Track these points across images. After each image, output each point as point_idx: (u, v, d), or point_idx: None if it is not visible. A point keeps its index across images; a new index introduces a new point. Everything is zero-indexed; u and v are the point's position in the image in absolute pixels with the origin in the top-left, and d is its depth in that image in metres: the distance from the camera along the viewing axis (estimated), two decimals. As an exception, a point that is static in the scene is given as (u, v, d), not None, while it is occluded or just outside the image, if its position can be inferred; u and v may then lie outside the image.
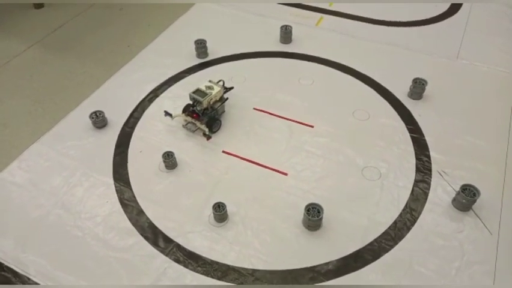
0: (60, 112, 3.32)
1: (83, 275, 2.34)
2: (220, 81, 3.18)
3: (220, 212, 2.52)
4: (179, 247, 2.45)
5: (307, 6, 4.46)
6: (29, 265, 2.38)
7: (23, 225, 2.58)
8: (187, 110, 3.09)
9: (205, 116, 3.04)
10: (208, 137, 3.03)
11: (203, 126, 3.01)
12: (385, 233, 2.49)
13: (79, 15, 4.47)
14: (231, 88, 3.30)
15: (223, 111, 3.23)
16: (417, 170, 2.83)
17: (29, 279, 2.32)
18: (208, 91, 3.02)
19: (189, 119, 3.06)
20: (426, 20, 4.24)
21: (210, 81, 3.14)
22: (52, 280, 2.31)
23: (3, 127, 3.26)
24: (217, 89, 3.06)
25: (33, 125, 3.22)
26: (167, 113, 3.13)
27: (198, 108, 3.02)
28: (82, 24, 4.39)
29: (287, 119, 3.22)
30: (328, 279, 2.30)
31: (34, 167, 2.92)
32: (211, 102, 3.04)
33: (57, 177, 2.84)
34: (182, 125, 3.13)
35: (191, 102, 3.09)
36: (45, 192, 2.75)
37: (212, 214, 2.57)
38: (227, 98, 3.19)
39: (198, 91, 3.03)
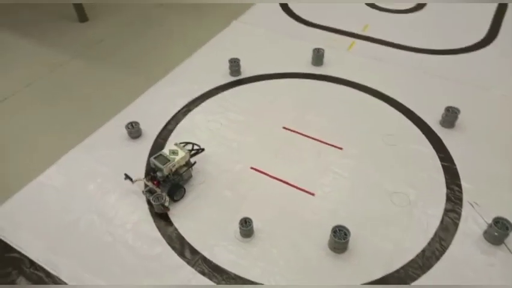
0: (97, 121, 3.46)
1: (110, 280, 2.40)
2: (187, 144, 2.98)
3: (246, 227, 2.55)
4: (204, 259, 2.49)
5: (340, 30, 4.54)
6: (60, 266, 2.47)
7: (57, 227, 2.68)
8: (149, 175, 2.80)
9: (168, 182, 2.76)
10: (166, 209, 2.68)
11: (163, 195, 2.69)
12: (412, 261, 2.45)
13: (120, 30, 4.68)
14: (202, 150, 3.05)
15: (190, 177, 2.92)
16: (448, 199, 2.79)
17: (59, 279, 2.40)
18: (171, 156, 2.75)
19: (150, 184, 2.76)
20: (461, 49, 4.23)
21: (175, 144, 2.87)
22: (81, 282, 2.38)
23: (45, 133, 3.43)
24: (181, 154, 2.78)
25: (73, 132, 3.37)
26: (127, 177, 2.84)
27: (159, 175, 2.73)
28: (121, 38, 4.60)
29: (316, 139, 3.25)
30: (352, 303, 2.28)
31: (71, 172, 3.04)
32: (173, 170, 2.75)
33: (92, 183, 2.95)
34: (142, 191, 2.81)
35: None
36: (80, 197, 2.86)
37: (238, 229, 2.60)
38: (194, 163, 2.92)
39: (160, 156, 2.76)
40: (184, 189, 2.83)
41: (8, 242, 2.59)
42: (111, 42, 4.55)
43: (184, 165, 2.84)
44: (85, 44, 4.53)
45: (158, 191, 2.73)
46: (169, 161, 2.73)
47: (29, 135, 3.41)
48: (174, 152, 2.78)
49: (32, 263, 2.48)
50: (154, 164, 2.74)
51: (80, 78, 4.03)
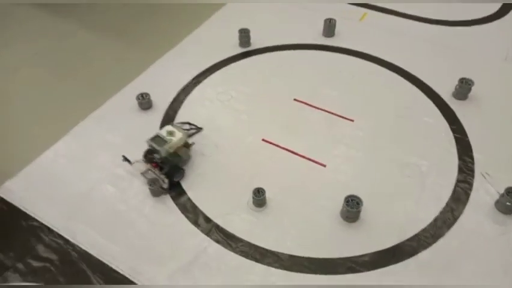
0: (107, 92, 3.45)
1: (126, 246, 2.45)
2: (185, 123, 2.92)
3: (259, 196, 2.58)
4: (218, 228, 2.53)
5: (351, 1, 4.43)
6: (76, 233, 2.52)
7: (71, 196, 2.72)
8: (147, 157, 2.73)
9: (166, 164, 2.68)
10: (166, 191, 2.67)
11: (162, 177, 2.64)
12: (424, 230, 2.49)
13: (127, 5, 4.59)
14: (200, 129, 3.03)
15: (190, 157, 2.85)
16: (460, 170, 2.80)
17: (78, 246, 2.45)
18: (168, 137, 2.67)
19: (148, 166, 2.72)
20: (475, 20, 4.14)
21: (172, 124, 2.82)
22: (97, 248, 2.44)
23: (56, 104, 3.42)
24: (179, 135, 2.70)
25: (83, 103, 3.36)
26: (125, 159, 2.79)
27: (157, 157, 2.68)
28: (128, 13, 4.51)
29: (327, 111, 3.24)
30: (365, 270, 2.32)
31: (83, 143, 3.06)
32: (171, 151, 2.69)
33: (104, 153, 2.97)
34: (141, 173, 2.76)
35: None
36: (94, 167, 2.88)
37: (251, 199, 2.63)
38: (193, 143, 2.87)
39: (157, 137, 2.68)
40: (183, 170, 2.76)
41: (26, 210, 2.64)
42: (117, 16, 4.47)
43: (183, 146, 2.76)
44: (92, 15, 4.45)
45: (157, 173, 2.67)
46: (166, 142, 2.66)
47: (40, 106, 3.40)
48: (171, 133, 2.69)
49: (50, 230, 2.53)
50: (151, 146, 2.66)
51: (87, 51, 3.98)
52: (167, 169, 2.67)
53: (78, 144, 3.05)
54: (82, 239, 2.49)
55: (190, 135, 2.82)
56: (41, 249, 2.45)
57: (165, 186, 2.64)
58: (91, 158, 2.95)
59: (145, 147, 2.81)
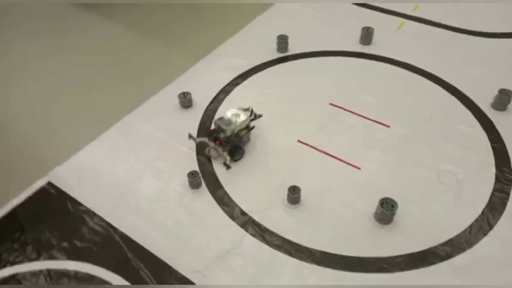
0: (151, 90, 3.63)
1: (166, 234, 2.58)
2: (248, 109, 3.06)
3: (295, 194, 2.65)
4: (254, 222, 2.62)
5: (389, 10, 4.48)
6: (120, 219, 2.66)
7: (116, 185, 2.88)
8: (212, 135, 3.00)
9: (229, 143, 2.96)
10: (228, 167, 2.93)
11: (225, 154, 2.93)
12: (458, 236, 2.49)
13: (165, 8, 4.82)
14: (260, 116, 3.15)
15: (249, 140, 3.11)
16: (497, 179, 2.78)
17: (121, 232, 2.60)
18: (233, 119, 2.94)
19: (212, 144, 2.98)
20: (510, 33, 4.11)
21: (237, 108, 3.04)
22: (139, 234, 2.57)
23: (103, 99, 3.64)
24: (243, 117, 2.96)
25: (128, 99, 3.55)
26: (190, 136, 3.05)
27: (222, 136, 2.94)
28: (172, 13, 4.74)
29: (363, 116, 3.28)
30: (396, 271, 2.34)
31: (127, 136, 3.23)
32: (235, 131, 2.94)
33: (147, 147, 3.13)
34: (205, 151, 3.02)
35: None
36: (137, 159, 3.04)
37: (286, 196, 2.70)
38: (253, 127, 3.08)
39: (223, 118, 2.96)
40: (244, 150, 3.02)
41: (73, 195, 2.81)
42: (162, 14, 4.70)
43: (244, 129, 3.02)
44: (137, 15, 4.70)
45: (220, 151, 2.94)
46: (231, 123, 2.92)
47: (89, 100, 3.62)
48: (236, 115, 2.97)
49: (95, 214, 2.69)
50: (218, 125, 2.94)
51: (132, 50, 4.20)
52: (230, 148, 2.95)
53: (122, 137, 3.22)
54: (124, 225, 2.63)
55: (251, 120, 3.08)
56: (85, 231, 2.61)
57: (227, 162, 2.92)
58: (134, 151, 3.11)
59: (185, 141, 2.96)
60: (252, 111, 3.06)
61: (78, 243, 2.55)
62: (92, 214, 2.70)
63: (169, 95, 3.53)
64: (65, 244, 2.55)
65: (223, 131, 2.92)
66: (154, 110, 3.45)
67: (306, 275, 2.35)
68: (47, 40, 4.41)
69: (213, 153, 3.02)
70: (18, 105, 3.63)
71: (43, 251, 2.51)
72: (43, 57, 4.14)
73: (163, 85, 3.67)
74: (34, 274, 2.41)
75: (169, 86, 3.66)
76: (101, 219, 2.67)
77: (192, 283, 2.33)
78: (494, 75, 3.58)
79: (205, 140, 3.01)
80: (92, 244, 2.55)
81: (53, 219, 2.70)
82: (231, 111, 3.00)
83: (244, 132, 3.02)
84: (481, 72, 3.64)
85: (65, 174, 2.95)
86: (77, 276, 2.39)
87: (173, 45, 4.24)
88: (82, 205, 2.75)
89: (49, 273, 2.41)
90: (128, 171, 2.97)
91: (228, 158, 2.93)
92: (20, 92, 3.77)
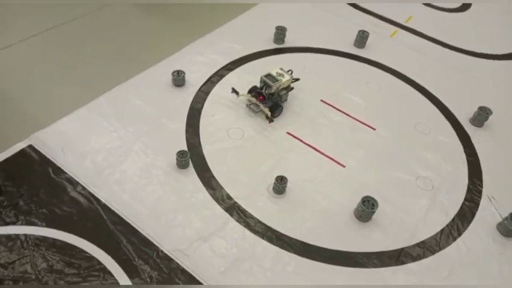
0: (142, 64, 3.56)
1: (150, 210, 2.57)
2: (289, 70, 3.30)
3: (281, 184, 2.71)
4: (239, 207, 2.66)
5: (385, 17, 4.60)
6: (103, 189, 2.62)
7: (101, 154, 2.83)
8: (254, 91, 3.22)
9: (270, 100, 3.19)
10: (271, 120, 3.18)
11: (266, 110, 3.15)
12: (430, 238, 2.64)
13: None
14: (297, 79, 3.41)
15: (286, 100, 3.38)
16: (469, 190, 2.96)
17: (103, 203, 2.56)
18: (278, 77, 3.16)
19: (254, 100, 3.20)
20: (497, 55, 4.33)
21: (281, 68, 3.26)
22: (122, 205, 2.55)
23: (92, 64, 3.53)
24: (287, 77, 3.20)
25: (120, 69, 3.47)
26: (234, 90, 3.28)
27: (266, 92, 3.16)
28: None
29: (351, 116, 3.38)
30: (371, 266, 2.46)
31: (118, 106, 3.18)
32: (279, 89, 3.19)
33: (137, 119, 3.09)
34: (246, 105, 3.27)
35: (257, 85, 3.23)
36: (125, 130, 3.00)
37: (272, 185, 2.76)
38: (293, 88, 3.34)
39: (269, 76, 3.16)
40: (282, 107, 3.27)
41: (55, 161, 2.74)
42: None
43: (285, 88, 3.26)
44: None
45: (262, 106, 3.17)
46: (277, 80, 3.14)
47: (79, 66, 3.51)
48: (280, 75, 3.18)
49: (77, 183, 2.63)
50: (265, 82, 3.14)
51: (126, 21, 4.09)
52: (271, 105, 3.19)
53: (111, 107, 3.16)
54: (107, 196, 2.59)
55: (292, 81, 3.31)
56: (66, 200, 2.55)
57: (270, 116, 3.16)
58: (122, 122, 3.06)
59: (176, 119, 2.95)
60: (292, 73, 3.28)
61: (58, 211, 2.50)
62: (75, 183, 2.64)
63: (162, 71, 3.49)
64: (44, 210, 2.49)
65: (269, 87, 3.12)
66: (146, 85, 3.39)
67: (285, 263, 2.43)
68: (38, 1, 4.20)
69: (254, 107, 3.23)
70: (3, 66, 3.45)
71: (21, 215, 2.44)
72: (32, 19, 3.96)
73: (157, 60, 3.61)
74: (10, 238, 2.34)
75: (163, 62, 3.61)
76: (84, 188, 2.62)
77: (171, 260, 2.35)
78: (476, 92, 3.79)
79: (247, 95, 3.23)
80: (73, 213, 2.50)
81: (33, 184, 2.62)
82: (275, 70, 3.20)
83: (284, 92, 3.27)
84: (463, 88, 3.84)
85: (48, 139, 2.86)
86: (55, 245, 2.34)
87: (170, 22, 4.18)
88: (64, 172, 2.69)
89: (26, 238, 2.35)
90: (115, 142, 2.92)
91: (269, 113, 3.13)
92: (7, 52, 3.58)
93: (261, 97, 3.18)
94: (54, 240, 2.37)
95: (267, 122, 3.19)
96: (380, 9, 4.72)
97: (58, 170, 2.70)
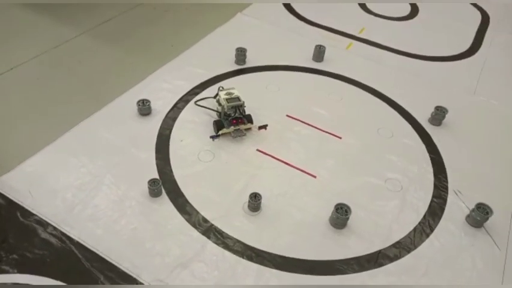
0: (106, 97, 3.55)
1: (125, 242, 2.52)
2: (220, 87, 3.49)
3: (256, 201, 2.74)
4: (215, 229, 2.66)
5: (339, 31, 4.81)
6: (75, 227, 2.56)
7: (70, 192, 2.77)
8: (228, 121, 3.24)
9: (241, 115, 3.30)
10: (265, 126, 3.33)
11: (249, 124, 3.29)
12: (404, 238, 2.72)
13: (127, 12, 4.77)
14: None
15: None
16: (435, 186, 3.09)
17: (75, 241, 2.50)
18: (234, 94, 3.30)
19: (237, 127, 3.26)
20: (447, 57, 4.60)
21: (221, 87, 3.45)
22: (98, 244, 2.49)
23: (56, 104, 3.48)
24: (235, 90, 3.35)
25: (84, 105, 3.43)
26: (214, 136, 3.25)
27: (241, 110, 3.27)
28: (128, 20, 4.68)
29: (317, 128, 3.48)
30: (351, 272, 2.51)
31: (83, 142, 3.13)
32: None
33: (104, 153, 3.06)
34: (232, 137, 3.27)
35: (218, 118, 3.33)
36: (93, 165, 2.96)
37: (247, 203, 2.78)
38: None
39: (230, 100, 3.26)
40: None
41: (22, 204, 2.66)
42: (117, 23, 4.62)
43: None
44: (91, 22, 4.57)
45: (246, 125, 3.31)
46: (236, 96, 3.30)
47: (40, 105, 3.45)
48: (230, 93, 3.33)
49: (47, 224, 2.56)
50: (235, 106, 3.26)
51: (86, 55, 4.07)
52: (246, 116, 3.33)
53: (78, 143, 3.12)
54: (80, 234, 2.54)
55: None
56: (37, 242, 2.48)
57: (257, 125, 3.35)
58: (90, 157, 3.02)
59: (144, 148, 2.95)
60: (221, 88, 3.44)
61: (29, 255, 2.41)
62: (45, 224, 2.57)
63: (127, 102, 3.49)
64: (14, 256, 2.40)
65: (240, 105, 3.26)
66: (112, 117, 3.38)
67: (267, 279, 2.44)
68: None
69: (239, 132, 3.28)
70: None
71: (-10, 264, 2.35)
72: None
73: (121, 92, 3.61)
74: (-21, 289, 2.25)
75: (127, 93, 3.61)
76: (55, 228, 2.56)
77: (153, 292, 2.32)
78: (431, 93, 3.99)
79: (228, 130, 3.25)
80: (46, 255, 2.42)
81: (1, 229, 2.53)
82: (223, 93, 3.32)
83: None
84: (419, 90, 4.04)
85: (13, 182, 2.79)
86: (29, 290, 2.27)
87: (131, 53, 4.19)
88: (33, 214, 2.62)
89: (-3, 287, 2.26)
90: (84, 177, 2.87)
91: (251, 124, 3.30)
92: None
93: (240, 120, 3.27)
94: (28, 285, 2.29)
95: (244, 133, 3.29)
96: (333, 23, 4.94)
97: (27, 213, 2.62)
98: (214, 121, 3.31)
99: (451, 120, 3.64)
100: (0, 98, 3.49)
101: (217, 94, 3.44)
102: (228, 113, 3.26)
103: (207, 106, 3.53)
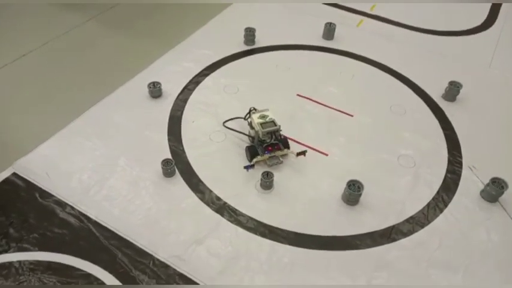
0: (117, 81, 3.58)
1: (141, 221, 2.58)
2: (252, 108, 3.11)
3: (268, 179, 2.76)
4: (229, 207, 2.69)
5: (349, 8, 4.72)
6: (92, 207, 2.63)
7: (86, 173, 2.83)
8: (266, 148, 2.89)
9: (276, 140, 2.94)
10: (304, 152, 2.94)
11: (285, 150, 2.94)
12: (418, 213, 2.72)
13: (136, 5, 4.76)
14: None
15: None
16: (449, 162, 3.06)
17: (92, 220, 2.57)
18: (269, 117, 2.95)
19: (272, 154, 2.90)
20: (461, 31, 4.49)
21: (253, 109, 3.08)
22: (115, 223, 2.56)
23: (66, 89, 3.53)
24: (269, 112, 3.00)
25: (94, 90, 3.48)
26: (249, 166, 2.85)
27: (277, 134, 2.94)
28: (134, 7, 4.67)
29: (328, 106, 3.46)
30: (364, 247, 2.52)
31: (97, 125, 3.18)
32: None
33: (118, 135, 3.10)
34: (268, 165, 2.89)
35: (251, 144, 2.99)
36: (109, 147, 3.01)
37: (259, 181, 2.80)
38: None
39: (265, 124, 2.90)
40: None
41: (41, 185, 2.73)
42: (124, 9, 4.62)
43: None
44: (100, 7, 4.58)
45: (282, 151, 2.96)
46: (271, 120, 2.95)
47: (51, 90, 3.50)
48: (264, 116, 2.98)
49: (65, 204, 2.63)
50: (270, 132, 2.91)
51: (96, 41, 4.10)
52: (282, 142, 2.98)
53: (91, 127, 3.16)
54: (97, 213, 2.60)
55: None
56: (57, 222, 2.55)
57: (294, 151, 2.96)
58: (104, 140, 3.07)
59: (157, 130, 3.00)
60: (253, 109, 3.08)
61: (49, 234, 2.49)
62: (63, 204, 2.64)
63: (138, 85, 3.51)
64: (35, 235, 2.48)
65: (277, 130, 2.92)
66: (123, 101, 3.41)
67: (280, 254, 2.47)
68: (6, 31, 4.19)
69: (275, 160, 2.91)
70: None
71: (12, 243, 2.43)
72: (2, 48, 3.94)
73: (131, 76, 3.63)
74: (3, 266, 2.33)
75: (137, 77, 3.63)
76: (73, 208, 2.62)
77: (168, 267, 2.37)
78: (444, 69, 3.91)
79: (263, 157, 2.89)
80: (65, 234, 2.50)
81: (22, 210, 2.61)
82: (255, 116, 2.97)
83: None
84: (432, 66, 3.97)
85: (31, 165, 2.86)
86: (50, 267, 2.34)
87: (139, 38, 4.20)
88: (52, 195, 2.69)
89: (20, 264, 2.33)
90: (99, 159, 2.93)
91: (287, 149, 2.94)
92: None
93: (276, 146, 2.93)
94: (49, 262, 2.36)
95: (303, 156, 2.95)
96: (344, 1, 4.84)
97: (45, 194, 2.69)
98: (247, 147, 2.95)
99: (466, 95, 3.57)
100: (12, 85, 3.56)
101: (248, 115, 3.10)
102: (263, 139, 2.93)
103: (238, 130, 3.14)
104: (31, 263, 2.35)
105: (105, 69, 3.77)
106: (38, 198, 2.67)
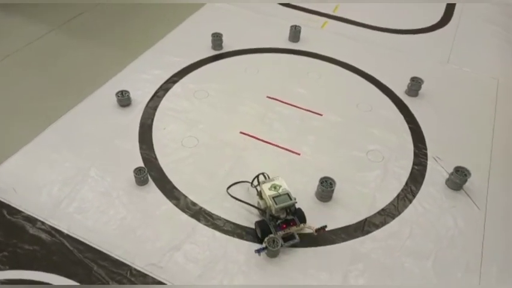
0: (84, 91, 3.51)
1: (116, 231, 2.54)
2: (260, 175, 2.72)
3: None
4: (204, 211, 2.69)
5: (313, 10, 4.84)
6: (63, 220, 2.56)
7: (56, 186, 2.76)
8: (280, 226, 2.48)
9: (290, 213, 2.52)
10: (323, 228, 2.51)
11: (302, 225, 2.52)
12: (389, 205, 2.81)
13: (95, 8, 4.68)
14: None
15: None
16: (415, 155, 3.18)
17: (64, 233, 2.50)
18: (282, 188, 2.56)
19: (288, 231, 2.49)
20: (420, 29, 4.69)
21: (263, 174, 2.70)
22: (88, 235, 2.50)
23: (32, 101, 3.42)
24: (280, 179, 2.64)
25: (61, 101, 3.40)
26: (261, 249, 2.40)
27: (292, 210, 2.52)
28: (97, 16, 4.60)
29: (298, 107, 3.53)
30: (341, 241, 2.58)
31: (67, 136, 3.12)
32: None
33: (87, 146, 3.05)
34: (281, 245, 2.42)
35: (260, 218, 2.58)
36: (77, 158, 2.95)
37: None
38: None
39: (278, 198, 2.48)
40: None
41: (8, 202, 2.64)
42: (88, 18, 4.54)
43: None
44: (63, 18, 4.48)
45: (299, 227, 2.54)
46: (286, 192, 2.55)
47: (16, 103, 3.40)
48: (275, 186, 2.60)
49: (35, 220, 2.56)
50: (285, 207, 2.49)
51: (60, 51, 4.00)
52: (295, 215, 2.55)
53: (60, 138, 3.09)
54: (69, 226, 2.54)
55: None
56: (27, 238, 2.47)
57: (312, 228, 2.52)
58: (74, 151, 3.01)
59: (127, 139, 2.94)
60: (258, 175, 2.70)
61: (20, 251, 2.41)
62: (33, 219, 2.56)
63: (106, 94, 3.46)
64: (5, 253, 2.39)
65: (292, 205, 2.50)
66: (91, 111, 3.35)
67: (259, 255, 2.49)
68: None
69: (291, 241, 2.48)
70: None
71: (-20, 263, 2.34)
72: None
73: (99, 85, 3.57)
74: (-29, 288, 2.24)
75: (105, 86, 3.58)
76: (43, 223, 2.55)
77: (146, 275, 2.34)
78: (406, 66, 4.07)
79: (275, 236, 2.44)
80: (36, 250, 2.42)
81: (-12, 229, 2.52)
82: (265, 186, 2.56)
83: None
84: (394, 63, 4.12)
85: (-3, 181, 2.77)
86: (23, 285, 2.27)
87: (105, 47, 4.13)
88: (20, 211, 2.60)
89: (-11, 285, 2.26)
90: (69, 171, 2.86)
91: (305, 224, 2.52)
92: None
93: (292, 222, 2.52)
94: (21, 281, 2.29)
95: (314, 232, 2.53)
96: (306, 4, 4.96)
97: (13, 210, 2.61)
98: (257, 222, 2.54)
99: (427, 90, 3.74)
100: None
101: (256, 180, 2.71)
102: (276, 215, 2.53)
103: (244, 200, 2.73)
104: (3, 282, 2.27)
105: (72, 79, 3.69)
106: (6, 215, 2.58)
